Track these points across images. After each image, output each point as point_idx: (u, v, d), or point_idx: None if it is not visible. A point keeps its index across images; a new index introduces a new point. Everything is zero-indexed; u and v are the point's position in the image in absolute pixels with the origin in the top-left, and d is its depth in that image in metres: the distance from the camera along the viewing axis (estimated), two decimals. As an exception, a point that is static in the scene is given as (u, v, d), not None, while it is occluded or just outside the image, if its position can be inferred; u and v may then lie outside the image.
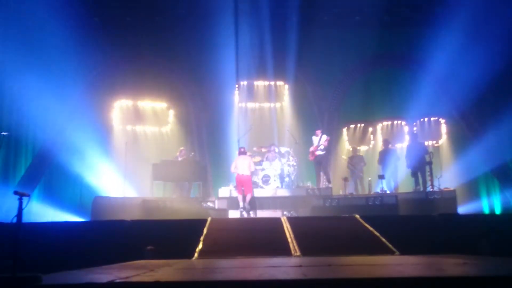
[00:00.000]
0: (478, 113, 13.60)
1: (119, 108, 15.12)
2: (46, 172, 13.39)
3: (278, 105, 16.33)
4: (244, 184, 11.31)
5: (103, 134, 14.41)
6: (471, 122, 13.84)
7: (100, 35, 13.91)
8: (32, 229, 6.58)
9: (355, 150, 14.58)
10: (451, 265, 4.02)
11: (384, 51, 15.12)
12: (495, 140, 13.06)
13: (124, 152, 13.06)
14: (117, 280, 3.04)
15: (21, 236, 3.57)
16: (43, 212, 11.72)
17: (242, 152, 11.75)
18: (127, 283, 3.01)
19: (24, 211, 3.73)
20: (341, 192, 12.80)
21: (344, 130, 15.85)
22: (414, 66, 15.18)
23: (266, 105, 16.31)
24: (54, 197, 12.91)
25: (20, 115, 12.94)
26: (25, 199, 3.73)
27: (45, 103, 12.93)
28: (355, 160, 13.94)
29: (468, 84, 13.42)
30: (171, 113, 15.66)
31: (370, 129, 15.86)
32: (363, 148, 15.57)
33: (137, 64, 15.07)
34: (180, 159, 13.34)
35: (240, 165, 11.36)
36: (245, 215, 11.02)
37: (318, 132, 13.15)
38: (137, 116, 15.27)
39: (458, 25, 12.91)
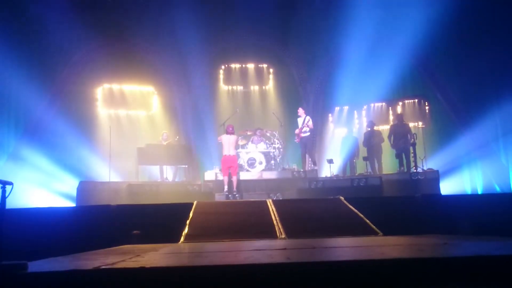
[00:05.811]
0: (461, 94, 13.70)
1: (103, 92, 14.99)
2: (30, 157, 13.22)
3: (263, 87, 16.32)
4: (231, 164, 11.31)
5: (87, 118, 14.31)
6: (454, 103, 13.96)
7: (82, 18, 13.64)
8: (17, 215, 6.55)
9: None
10: (432, 246, 4.11)
11: (370, 32, 15.05)
12: (477, 121, 13.23)
13: (109, 136, 12.99)
14: (103, 267, 3.06)
15: (5, 225, 3.55)
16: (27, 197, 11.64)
17: (229, 132, 11.46)
18: (112, 269, 3.03)
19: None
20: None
21: (330, 112, 15.87)
22: (399, 47, 15.20)
23: (251, 88, 16.29)
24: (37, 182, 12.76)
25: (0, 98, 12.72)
26: (8, 187, 3.71)
27: (26, 86, 12.75)
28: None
29: (451, 66, 13.57)
30: (156, 96, 15.57)
31: (355, 111, 15.92)
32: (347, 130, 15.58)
33: (121, 48, 14.88)
34: (164, 143, 13.30)
35: (226, 145, 11.32)
36: (231, 198, 11.06)
37: (300, 111, 13.03)
38: (121, 100, 15.16)
39: (440, 7, 12.97)
